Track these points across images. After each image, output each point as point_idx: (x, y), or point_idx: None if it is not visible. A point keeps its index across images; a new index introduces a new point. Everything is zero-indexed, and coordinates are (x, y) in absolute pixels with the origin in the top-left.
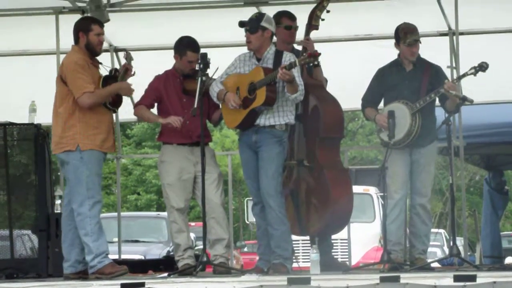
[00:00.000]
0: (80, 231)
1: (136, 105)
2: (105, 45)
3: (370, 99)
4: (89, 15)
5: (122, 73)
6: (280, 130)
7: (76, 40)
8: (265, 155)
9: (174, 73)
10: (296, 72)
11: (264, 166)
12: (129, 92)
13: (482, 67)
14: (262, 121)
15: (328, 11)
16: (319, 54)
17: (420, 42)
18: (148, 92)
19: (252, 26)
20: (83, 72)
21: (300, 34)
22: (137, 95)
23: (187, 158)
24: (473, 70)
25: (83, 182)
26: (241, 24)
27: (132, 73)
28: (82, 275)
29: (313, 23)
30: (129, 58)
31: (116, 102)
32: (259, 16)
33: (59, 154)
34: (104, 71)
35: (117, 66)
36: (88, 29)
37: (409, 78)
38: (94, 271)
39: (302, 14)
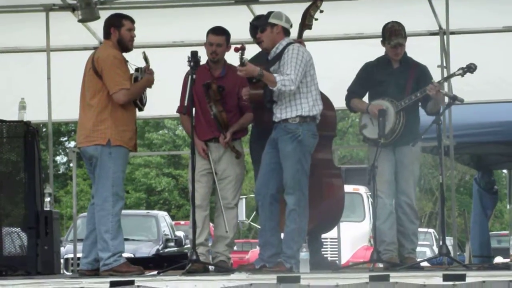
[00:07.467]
0: (101, 227)
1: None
2: (95, 42)
3: (356, 90)
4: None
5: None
6: (294, 123)
7: (107, 35)
8: (280, 153)
9: (205, 65)
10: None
11: (282, 163)
12: (152, 83)
13: (470, 68)
14: (277, 115)
15: (321, 11)
16: (242, 47)
17: (402, 44)
18: (182, 93)
19: (261, 24)
20: (121, 67)
21: (293, 33)
22: None
23: (209, 156)
24: (461, 71)
25: (110, 178)
26: (253, 26)
27: (151, 71)
28: (96, 272)
29: (306, 22)
30: (147, 58)
31: (142, 100)
32: (268, 14)
33: (87, 147)
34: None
35: None
36: (120, 25)
37: (396, 75)
38: (107, 268)
39: (293, 13)
